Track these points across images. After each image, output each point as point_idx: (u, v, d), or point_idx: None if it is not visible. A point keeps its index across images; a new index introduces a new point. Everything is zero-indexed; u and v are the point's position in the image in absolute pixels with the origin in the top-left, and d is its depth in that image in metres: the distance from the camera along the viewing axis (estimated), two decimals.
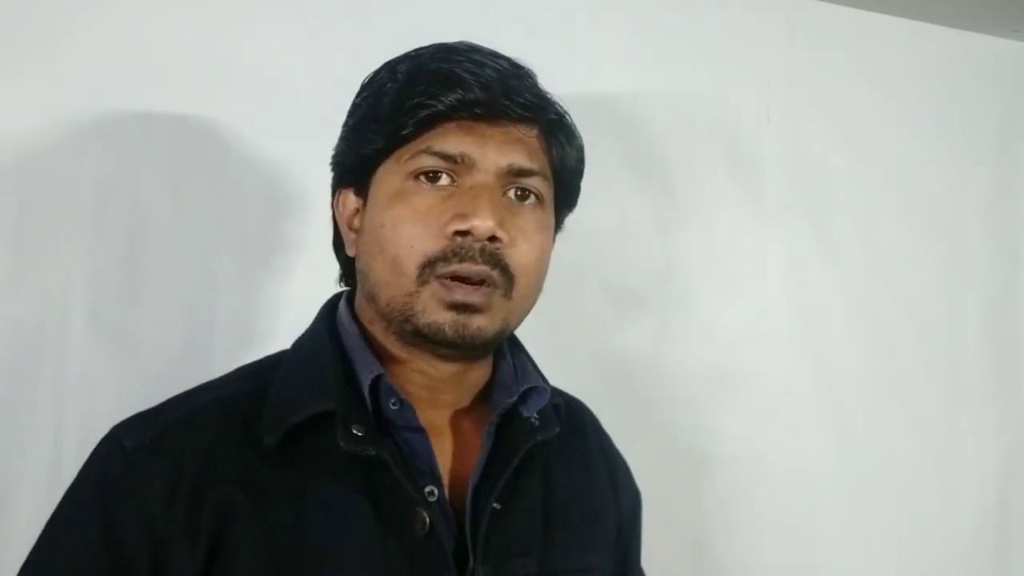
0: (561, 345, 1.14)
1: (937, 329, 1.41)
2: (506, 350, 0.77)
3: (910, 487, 1.37)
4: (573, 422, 0.81)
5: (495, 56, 0.71)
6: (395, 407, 0.68)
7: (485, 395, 0.75)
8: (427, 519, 0.65)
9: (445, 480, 0.70)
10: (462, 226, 0.66)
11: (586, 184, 1.10)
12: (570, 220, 1.21)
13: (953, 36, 1.43)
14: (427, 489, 0.67)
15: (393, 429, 0.69)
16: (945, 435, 1.40)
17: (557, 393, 0.80)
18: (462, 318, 0.67)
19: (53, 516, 0.68)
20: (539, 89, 0.73)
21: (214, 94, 1.00)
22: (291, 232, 1.02)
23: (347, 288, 0.78)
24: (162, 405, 0.71)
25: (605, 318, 1.21)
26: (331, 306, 0.76)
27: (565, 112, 0.75)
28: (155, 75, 0.98)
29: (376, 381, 0.68)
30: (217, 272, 1.01)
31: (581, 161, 0.77)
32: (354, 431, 0.65)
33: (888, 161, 1.38)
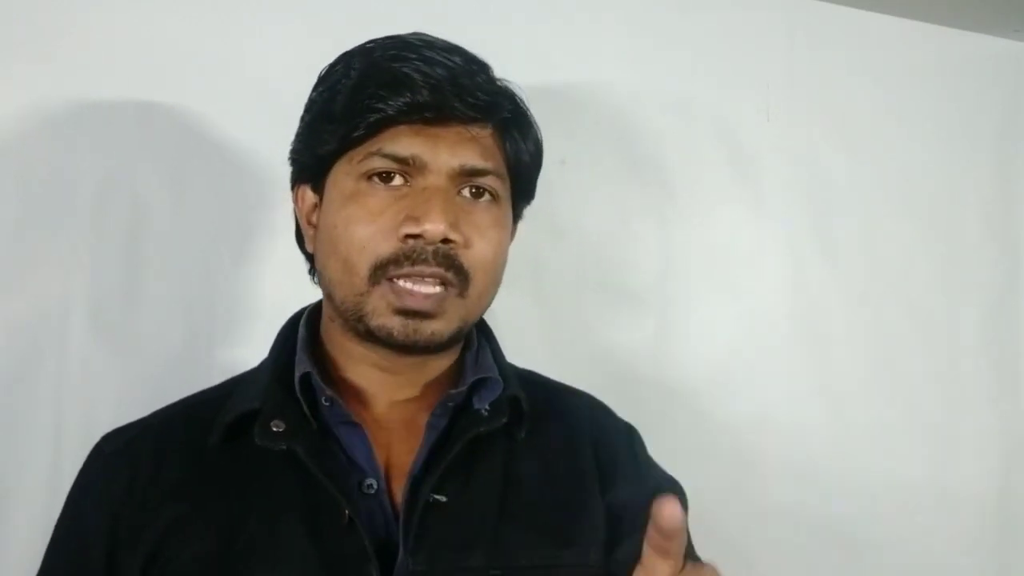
0: (561, 345, 1.14)
1: (937, 329, 1.41)
2: (474, 339, 0.78)
3: (910, 487, 1.37)
4: (557, 415, 0.80)
5: (448, 52, 0.70)
6: (327, 404, 0.70)
7: (446, 386, 0.75)
8: (346, 511, 0.66)
9: (388, 473, 0.70)
10: (413, 230, 0.67)
11: (586, 184, 1.10)
12: (570, 220, 1.21)
13: (953, 36, 1.43)
14: (367, 482, 0.69)
15: (333, 425, 0.70)
16: (945, 435, 1.40)
17: (545, 385, 0.81)
18: (413, 323, 0.68)
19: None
20: (494, 84, 0.72)
21: (214, 93, 1.00)
22: (291, 232, 1.02)
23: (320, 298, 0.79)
24: (150, 414, 0.76)
25: (605, 318, 1.21)
26: (294, 318, 0.79)
27: (523, 105, 0.75)
28: (155, 74, 0.98)
29: (308, 379, 0.70)
30: (217, 272, 1.01)
31: (538, 155, 0.78)
32: (273, 428, 0.67)
33: (888, 161, 1.38)
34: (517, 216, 0.78)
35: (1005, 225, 1.47)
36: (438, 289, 0.68)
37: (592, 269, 1.20)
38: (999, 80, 1.47)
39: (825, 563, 1.31)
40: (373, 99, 0.67)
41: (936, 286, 1.41)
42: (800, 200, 1.32)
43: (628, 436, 0.85)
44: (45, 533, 0.72)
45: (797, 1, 1.32)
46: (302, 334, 0.74)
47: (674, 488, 0.84)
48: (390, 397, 0.74)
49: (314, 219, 0.75)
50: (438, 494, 0.68)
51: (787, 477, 1.29)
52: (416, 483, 0.69)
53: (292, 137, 0.78)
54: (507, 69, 0.75)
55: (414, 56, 0.68)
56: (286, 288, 1.01)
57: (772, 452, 1.28)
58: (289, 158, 0.77)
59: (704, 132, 1.27)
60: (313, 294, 0.79)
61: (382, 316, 0.68)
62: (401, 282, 0.67)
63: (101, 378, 0.96)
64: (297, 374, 0.70)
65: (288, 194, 0.79)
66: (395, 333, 0.68)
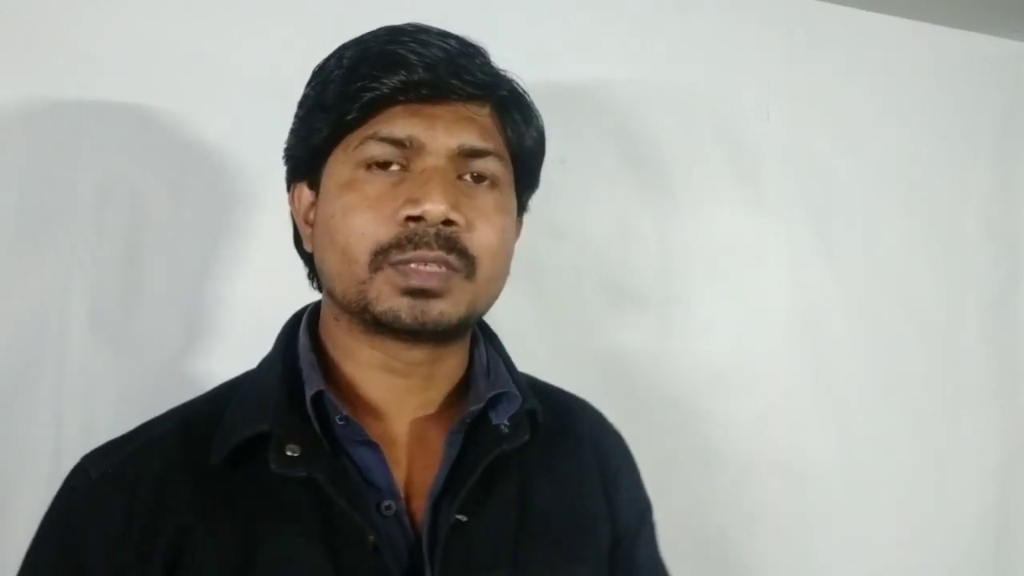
0: (561, 345, 1.14)
1: (937, 329, 1.41)
2: (482, 347, 0.75)
3: (910, 487, 1.37)
4: (564, 426, 0.79)
5: (443, 36, 0.68)
6: (341, 423, 0.66)
7: (459, 399, 0.72)
8: (371, 537, 0.63)
9: (405, 493, 0.67)
10: (413, 211, 0.64)
11: (586, 184, 1.10)
12: (570, 220, 1.21)
13: (953, 36, 1.43)
14: (384, 504, 0.65)
15: (347, 444, 0.67)
16: (945, 435, 1.40)
17: (550, 394, 0.79)
18: (420, 303, 0.64)
19: (29, 545, 0.67)
20: (491, 67, 0.70)
21: (214, 94, 1.00)
22: (290, 232, 1.02)
23: (319, 299, 0.76)
24: (131, 432, 0.71)
25: (605, 318, 1.21)
26: (293, 321, 0.74)
27: (523, 91, 0.72)
28: (155, 75, 0.98)
29: (320, 397, 0.66)
30: (217, 272, 1.01)
31: (541, 141, 0.74)
32: (288, 452, 0.63)
33: (888, 161, 1.38)
34: (522, 207, 0.75)
35: (1005, 225, 1.47)
36: (443, 270, 0.65)
37: (592, 269, 1.20)
38: (999, 80, 1.47)
39: (825, 562, 1.31)
40: (367, 79, 0.65)
41: (936, 286, 1.41)
42: (800, 200, 1.32)
43: (623, 446, 0.85)
44: None
45: (797, 1, 1.32)
46: (304, 342, 0.70)
47: (649, 508, 0.84)
48: (402, 410, 0.70)
49: (311, 217, 0.71)
50: (460, 514, 0.66)
51: (786, 477, 1.29)
52: (437, 503, 0.66)
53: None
54: (507, 68, 0.74)
55: (408, 39, 0.66)
56: (287, 289, 1.01)
57: (772, 452, 1.28)
58: (284, 156, 0.75)
59: (704, 132, 1.27)
60: (313, 296, 0.79)
61: (388, 299, 0.64)
62: (403, 266, 0.64)
63: (101, 378, 0.96)
64: (308, 392, 0.66)
65: (284, 195, 0.78)
66: (403, 315, 0.64)
